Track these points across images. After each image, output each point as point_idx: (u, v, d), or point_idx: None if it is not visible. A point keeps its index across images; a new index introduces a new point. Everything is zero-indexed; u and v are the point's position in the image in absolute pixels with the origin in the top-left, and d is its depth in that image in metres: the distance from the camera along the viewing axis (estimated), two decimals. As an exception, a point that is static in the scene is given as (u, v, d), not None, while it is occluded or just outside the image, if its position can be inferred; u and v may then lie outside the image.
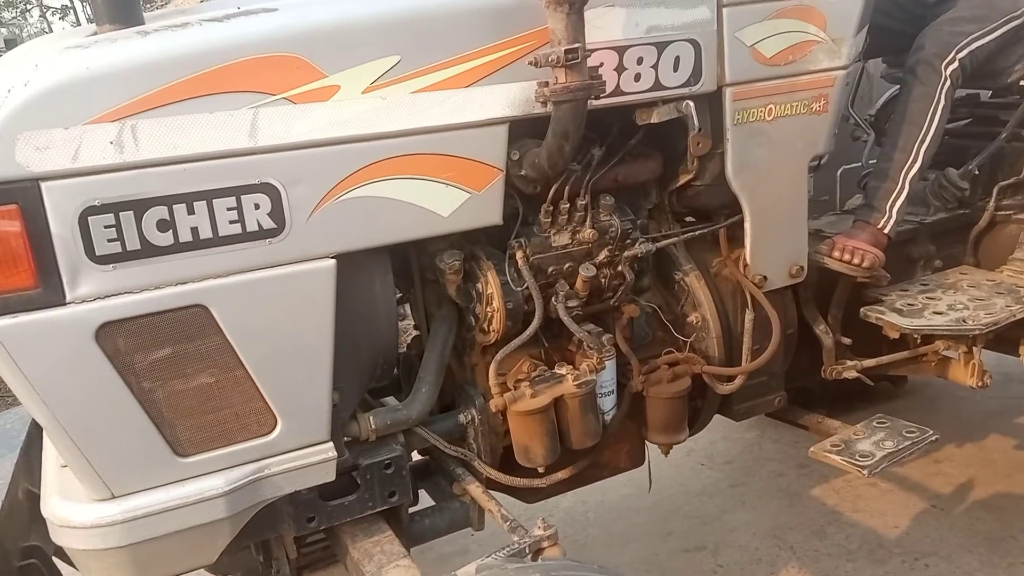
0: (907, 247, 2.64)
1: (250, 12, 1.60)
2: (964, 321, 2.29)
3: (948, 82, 2.37)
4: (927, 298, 2.44)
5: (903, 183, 2.38)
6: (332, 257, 1.65)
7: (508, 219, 1.89)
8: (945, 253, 2.71)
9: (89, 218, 1.44)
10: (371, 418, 1.90)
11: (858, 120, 2.92)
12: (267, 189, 1.57)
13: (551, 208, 1.96)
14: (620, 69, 1.83)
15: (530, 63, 1.69)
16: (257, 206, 1.56)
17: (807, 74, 2.07)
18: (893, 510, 3.13)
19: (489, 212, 1.82)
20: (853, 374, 2.44)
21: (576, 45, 1.62)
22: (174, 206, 1.50)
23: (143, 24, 1.56)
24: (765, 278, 2.20)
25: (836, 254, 2.32)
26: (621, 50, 1.82)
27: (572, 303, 1.99)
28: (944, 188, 2.66)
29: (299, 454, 1.74)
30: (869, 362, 2.45)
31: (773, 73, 2.03)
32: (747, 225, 2.14)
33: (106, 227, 1.45)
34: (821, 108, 2.12)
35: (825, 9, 2.05)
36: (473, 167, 1.76)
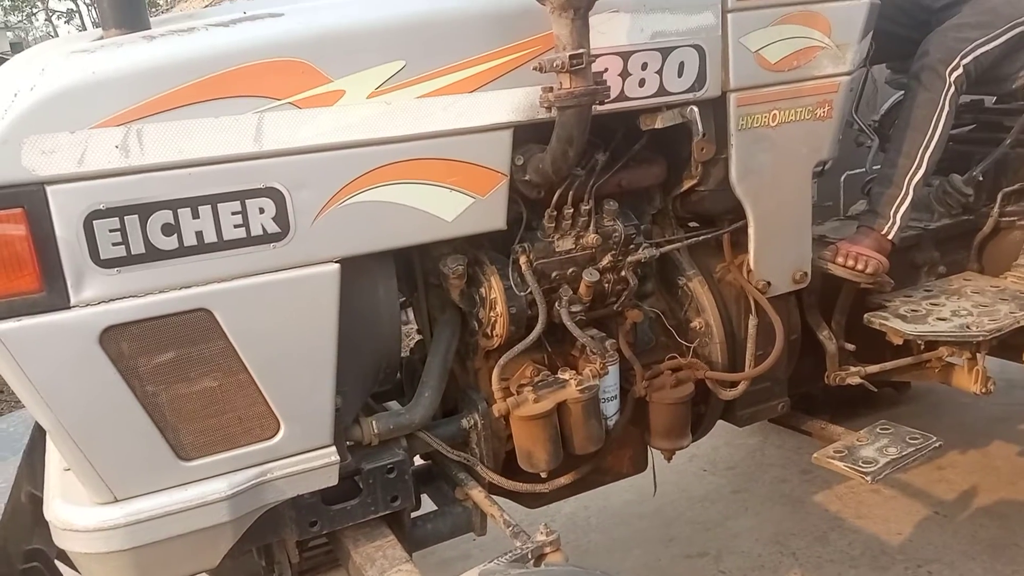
0: (911, 253, 2.64)
1: (256, 17, 1.60)
2: (968, 327, 2.28)
3: (952, 88, 2.37)
4: (931, 304, 2.44)
5: (907, 189, 2.38)
6: (336, 261, 1.65)
7: (512, 224, 1.89)
8: (949, 259, 2.71)
9: (94, 222, 1.44)
10: (374, 422, 1.90)
11: (862, 126, 2.92)
12: (272, 193, 1.57)
13: (555, 213, 1.96)
14: (624, 74, 1.83)
15: (535, 68, 1.69)
16: (262, 210, 1.56)
17: (811, 80, 2.08)
18: (896, 516, 3.12)
19: (493, 217, 1.82)
20: (856, 380, 2.43)
21: (581, 50, 1.62)
22: (179, 210, 1.50)
23: (149, 29, 1.56)
24: (769, 284, 2.19)
25: (840, 260, 2.32)
26: (626, 55, 1.82)
27: (575, 308, 1.99)
28: (948, 194, 2.66)
29: (302, 458, 1.74)
30: (872, 368, 2.44)
31: (777, 79, 2.03)
32: (751, 230, 2.14)
33: (111, 231, 1.45)
34: (825, 114, 2.12)
35: (830, 15, 2.05)
36: (477, 172, 1.76)
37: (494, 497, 2.00)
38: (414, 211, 1.71)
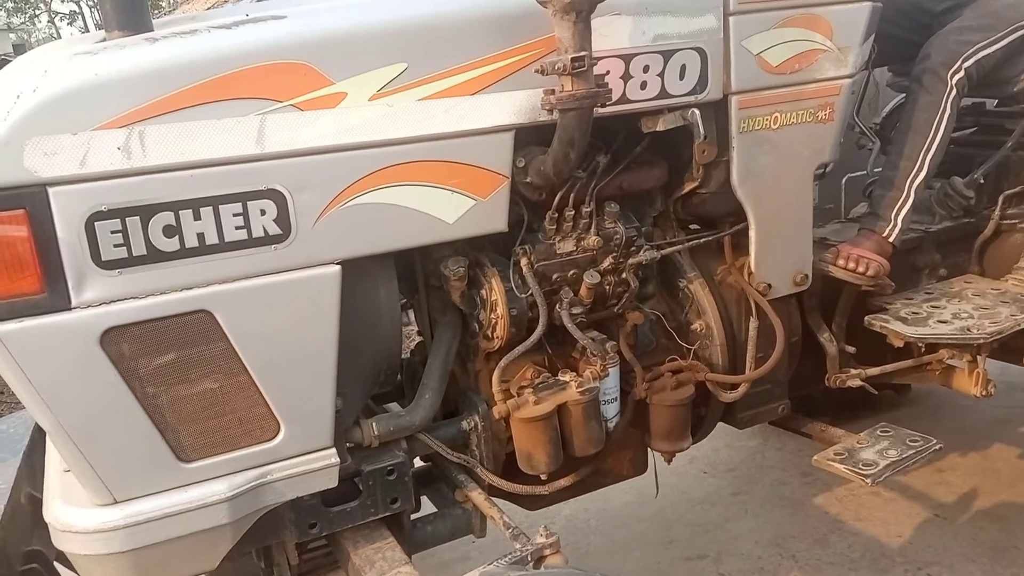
0: (912, 256, 2.64)
1: (258, 19, 1.60)
2: (969, 330, 2.28)
3: (954, 91, 2.37)
4: (932, 307, 2.44)
5: (908, 191, 2.38)
6: (337, 263, 1.65)
7: (513, 226, 1.89)
8: (950, 262, 2.71)
9: (96, 223, 1.44)
10: (374, 424, 1.90)
11: (863, 128, 2.92)
12: (273, 195, 1.57)
13: (556, 215, 1.96)
14: (626, 77, 1.83)
15: (536, 71, 1.69)
16: (263, 212, 1.56)
17: (813, 83, 2.08)
18: (896, 519, 3.12)
19: (494, 219, 1.82)
20: (857, 383, 2.43)
21: (583, 53, 1.63)
22: (180, 212, 1.50)
23: (152, 31, 1.56)
24: (769, 286, 2.19)
25: (841, 262, 2.32)
26: (627, 58, 1.82)
27: (576, 310, 1.99)
28: (949, 197, 2.66)
29: (302, 460, 1.74)
30: (873, 371, 2.44)
31: (779, 81, 2.03)
32: (752, 233, 2.14)
33: (112, 232, 1.45)
34: (827, 117, 2.12)
35: (832, 18, 2.05)
36: (479, 174, 1.76)
37: (494, 499, 2.00)
38: (415, 213, 1.71)
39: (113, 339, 1.51)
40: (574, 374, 2.00)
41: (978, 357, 2.33)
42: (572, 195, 1.94)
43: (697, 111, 1.91)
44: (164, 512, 1.62)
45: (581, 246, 2.01)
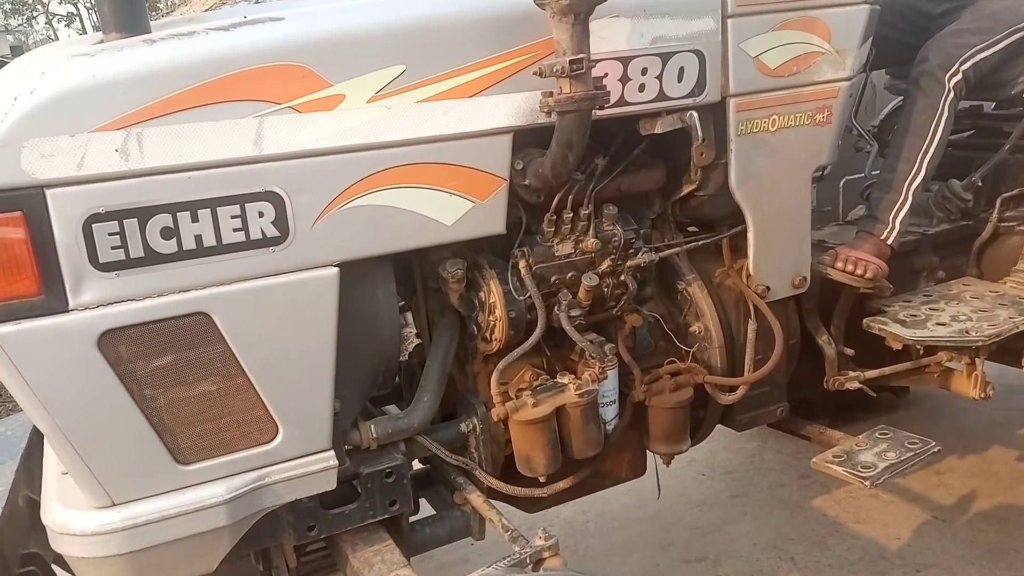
0: (910, 258, 2.64)
1: (256, 21, 1.60)
2: (967, 332, 2.28)
3: (952, 94, 2.38)
4: (930, 309, 2.44)
5: (906, 194, 2.38)
6: (335, 265, 1.65)
7: (511, 228, 1.89)
8: (948, 264, 2.71)
9: (93, 225, 1.44)
10: (372, 426, 1.89)
11: (861, 131, 2.92)
12: (271, 197, 1.57)
13: (554, 217, 1.96)
14: (624, 79, 1.83)
15: (535, 73, 1.70)
16: (261, 214, 1.56)
17: (811, 85, 2.08)
18: (895, 521, 3.12)
19: (492, 221, 1.82)
20: (855, 385, 2.43)
21: (581, 55, 1.63)
22: (178, 214, 1.50)
23: (149, 32, 1.56)
24: (768, 288, 2.19)
25: (839, 265, 2.32)
26: (626, 60, 1.82)
27: (575, 312, 1.99)
28: (947, 199, 2.66)
29: (300, 462, 1.73)
30: (871, 373, 2.44)
31: (777, 84, 2.03)
32: (750, 235, 2.14)
33: (110, 234, 1.45)
34: (825, 119, 2.12)
35: (830, 21, 2.05)
36: (477, 176, 1.76)
37: (493, 501, 2.00)
38: (413, 215, 1.71)
39: (111, 341, 1.50)
40: (573, 376, 2.00)
41: (976, 359, 2.33)
42: (570, 197, 1.94)
43: (695, 113, 1.91)
44: (162, 515, 1.62)
45: (579, 248, 2.01)
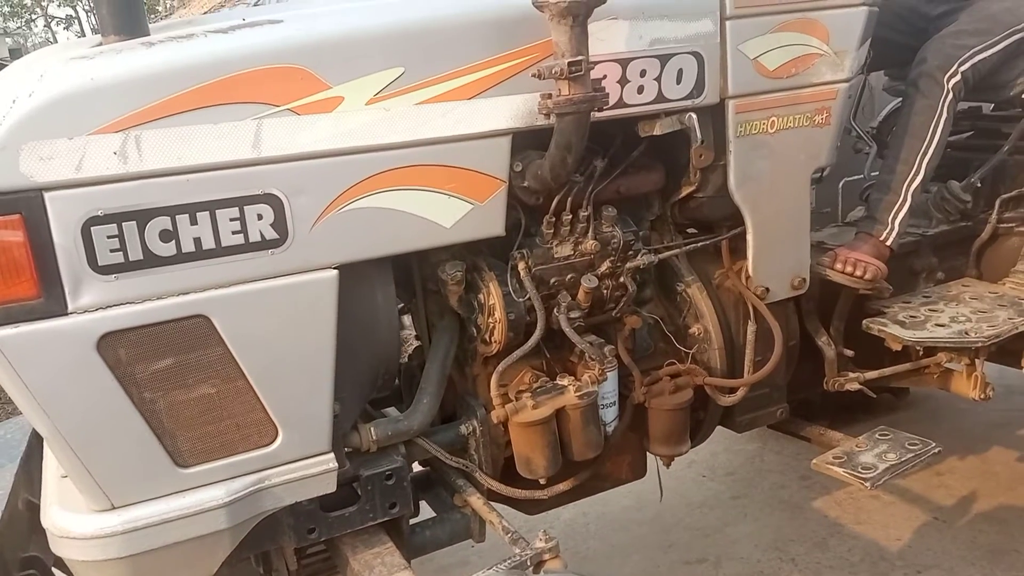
0: (909, 259, 2.64)
1: (255, 24, 1.60)
2: (966, 333, 2.28)
3: (950, 95, 2.38)
4: (929, 310, 2.44)
5: (905, 195, 2.38)
6: (334, 268, 1.65)
7: (510, 230, 1.89)
8: (947, 265, 2.71)
9: (92, 228, 1.44)
10: (372, 429, 1.89)
11: (860, 132, 2.92)
12: (270, 200, 1.57)
13: (553, 219, 1.96)
14: (623, 81, 1.83)
15: (533, 75, 1.70)
16: (260, 217, 1.56)
17: (810, 87, 2.08)
18: (895, 522, 3.12)
19: (492, 223, 1.82)
20: (855, 386, 2.43)
21: (579, 57, 1.63)
22: (177, 216, 1.50)
23: (148, 35, 1.56)
24: (767, 290, 2.19)
25: (838, 266, 2.31)
26: (624, 62, 1.82)
27: (574, 314, 1.99)
28: (946, 200, 2.66)
29: (300, 465, 1.73)
30: (871, 374, 2.44)
31: (776, 86, 2.03)
32: (749, 237, 2.14)
33: (109, 237, 1.45)
34: (824, 121, 2.12)
35: (828, 22, 2.05)
36: (476, 178, 1.76)
37: (493, 504, 2.00)
38: (413, 217, 1.71)
39: (110, 344, 1.50)
40: (572, 378, 2.00)
41: (976, 360, 2.33)
42: (569, 199, 1.94)
43: (694, 115, 1.91)
44: (162, 518, 1.61)
45: (579, 250, 2.01)
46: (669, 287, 2.28)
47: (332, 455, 1.76)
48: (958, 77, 2.38)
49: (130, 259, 1.48)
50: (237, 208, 1.54)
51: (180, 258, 1.51)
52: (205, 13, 2.20)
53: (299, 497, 1.76)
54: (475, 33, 1.71)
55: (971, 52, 2.39)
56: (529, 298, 1.93)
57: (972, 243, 2.71)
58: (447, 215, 1.75)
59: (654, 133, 1.94)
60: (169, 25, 1.76)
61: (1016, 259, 2.64)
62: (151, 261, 1.49)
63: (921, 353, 2.41)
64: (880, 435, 2.27)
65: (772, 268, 2.20)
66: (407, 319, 2.23)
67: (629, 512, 3.33)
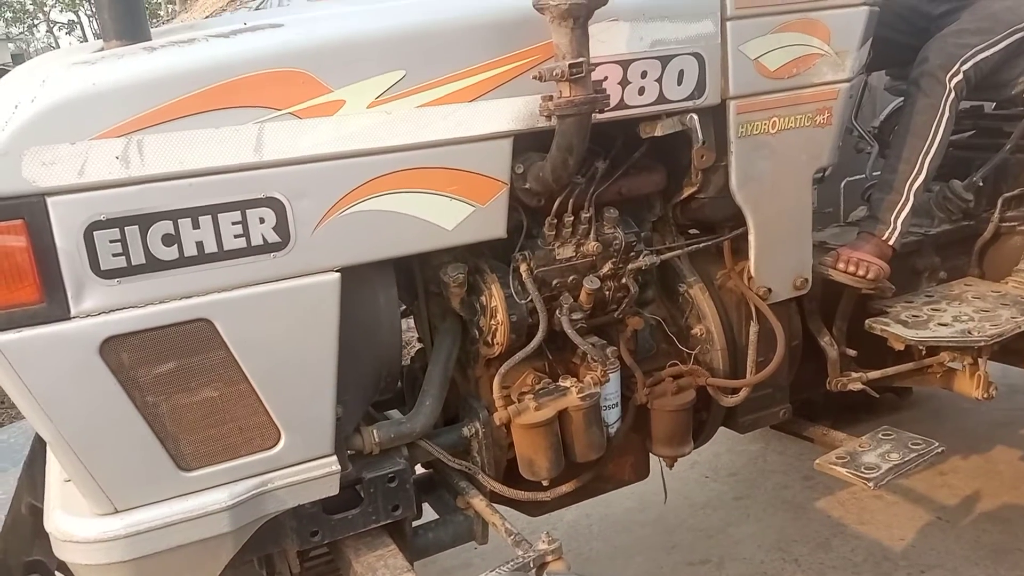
0: (912, 259, 2.64)
1: (256, 28, 1.60)
2: (969, 333, 2.28)
3: (952, 94, 2.38)
4: (932, 310, 2.44)
5: (908, 195, 2.38)
6: (336, 271, 1.65)
7: (512, 232, 1.89)
8: (950, 265, 2.71)
9: (94, 233, 1.44)
10: (375, 431, 1.89)
11: (862, 132, 2.92)
12: (272, 203, 1.57)
13: (555, 221, 1.96)
14: (624, 83, 1.83)
15: (534, 77, 1.70)
16: (262, 220, 1.56)
17: (811, 87, 2.08)
18: (898, 522, 3.12)
19: (493, 225, 1.82)
20: (858, 386, 2.43)
21: (580, 59, 1.63)
22: (179, 220, 1.50)
23: (150, 40, 1.56)
24: (770, 290, 2.19)
25: (841, 266, 2.31)
26: (625, 64, 1.82)
27: (576, 316, 1.99)
28: (948, 200, 2.66)
29: (303, 468, 1.73)
30: (874, 374, 2.44)
31: (777, 86, 2.03)
32: (751, 237, 2.14)
33: (111, 242, 1.45)
34: (825, 121, 2.12)
35: (829, 22, 2.05)
36: (478, 181, 1.76)
37: (495, 506, 2.00)
38: (414, 220, 1.71)
39: (113, 348, 1.51)
40: (575, 380, 2.00)
41: (979, 359, 2.32)
42: (571, 201, 1.94)
43: (695, 116, 1.91)
44: (165, 521, 1.61)
45: (580, 252, 2.01)
46: (671, 288, 2.28)
47: (335, 458, 1.76)
48: (960, 76, 2.37)
49: (133, 263, 1.48)
50: (239, 212, 1.54)
51: (182, 262, 1.52)
52: (207, 17, 2.20)
53: (302, 500, 1.76)
54: (476, 36, 1.71)
55: (973, 51, 2.39)
56: (531, 300, 1.93)
57: (974, 242, 2.71)
58: (449, 217, 1.75)
59: (655, 134, 1.94)
60: (171, 30, 1.76)
61: (1019, 258, 2.63)
62: (154, 265, 1.50)
63: (924, 352, 2.40)
64: (883, 435, 2.27)
65: (774, 268, 2.20)
66: (409, 321, 2.23)
67: (632, 513, 3.33)
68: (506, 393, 1.98)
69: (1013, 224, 2.67)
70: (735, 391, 2.22)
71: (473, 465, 2.03)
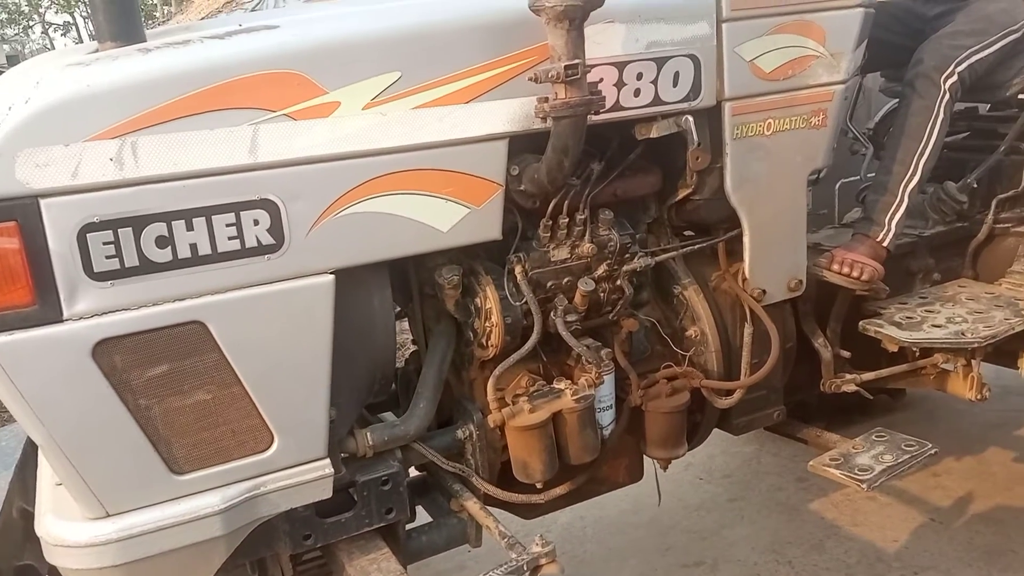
0: (906, 260, 2.64)
1: (251, 29, 1.60)
2: (963, 334, 2.29)
3: (947, 95, 2.38)
4: (926, 311, 2.44)
5: (902, 196, 2.38)
6: (331, 273, 1.65)
7: (507, 234, 1.89)
8: (944, 266, 2.72)
9: (88, 235, 1.43)
10: (368, 434, 1.89)
11: (856, 134, 2.92)
12: (266, 205, 1.56)
13: (550, 223, 1.95)
14: (620, 84, 1.83)
15: (530, 79, 1.69)
16: (256, 222, 1.56)
17: (806, 89, 2.08)
18: (892, 524, 3.12)
19: (488, 227, 1.82)
20: (852, 387, 2.43)
21: (576, 61, 1.63)
22: (173, 222, 1.49)
23: (144, 41, 1.56)
24: (764, 292, 2.19)
25: (835, 267, 2.32)
26: (621, 65, 1.82)
27: (571, 318, 1.98)
28: (943, 201, 2.67)
29: (296, 471, 1.73)
30: (868, 375, 2.44)
31: (772, 88, 2.03)
32: (746, 239, 2.14)
33: (105, 244, 1.45)
34: (820, 122, 2.12)
35: (824, 24, 2.06)
36: (473, 182, 1.76)
37: (489, 508, 1.99)
38: (409, 222, 1.71)
39: (105, 351, 1.50)
40: (569, 382, 2.00)
41: (972, 361, 2.33)
42: (566, 202, 1.93)
43: (691, 118, 1.91)
44: (157, 525, 1.60)
45: (575, 253, 2.00)
46: (666, 290, 2.28)
47: (328, 461, 1.75)
48: (955, 78, 2.38)
49: (126, 265, 1.47)
50: (233, 213, 1.54)
51: (176, 264, 1.51)
52: (202, 19, 2.19)
53: (295, 503, 1.75)
54: (471, 37, 1.71)
55: (967, 53, 2.40)
56: (526, 302, 1.93)
57: (968, 244, 2.71)
58: (444, 219, 1.74)
59: (651, 136, 1.94)
60: (166, 31, 1.75)
61: (1012, 259, 2.64)
62: (147, 267, 1.49)
63: (918, 354, 2.41)
64: (877, 436, 2.27)
65: (769, 270, 2.20)
66: (404, 323, 2.23)
67: (626, 515, 3.32)
68: (500, 395, 1.98)
69: (1007, 226, 2.67)
70: (729, 393, 2.22)
71: (467, 467, 2.03)
